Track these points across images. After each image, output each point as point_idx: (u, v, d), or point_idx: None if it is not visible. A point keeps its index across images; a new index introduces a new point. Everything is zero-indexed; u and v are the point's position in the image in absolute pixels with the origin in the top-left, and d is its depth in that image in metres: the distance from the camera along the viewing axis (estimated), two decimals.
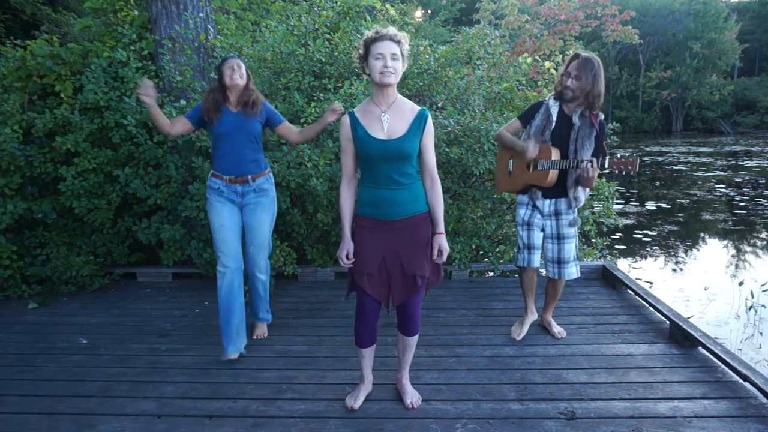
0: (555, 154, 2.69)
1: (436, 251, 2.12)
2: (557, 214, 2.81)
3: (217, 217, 2.74)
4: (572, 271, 2.85)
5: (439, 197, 2.15)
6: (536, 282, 3.08)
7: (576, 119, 2.68)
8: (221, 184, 2.75)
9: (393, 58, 1.96)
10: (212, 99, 2.72)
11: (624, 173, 2.57)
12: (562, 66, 2.76)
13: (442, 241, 2.13)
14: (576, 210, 2.82)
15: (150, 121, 3.77)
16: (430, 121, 2.10)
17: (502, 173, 3.05)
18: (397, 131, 2.04)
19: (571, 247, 2.83)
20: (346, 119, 2.10)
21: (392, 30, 1.99)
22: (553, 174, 2.69)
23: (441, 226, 2.14)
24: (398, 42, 1.97)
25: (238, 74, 2.72)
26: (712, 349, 2.61)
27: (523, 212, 2.89)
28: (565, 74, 2.67)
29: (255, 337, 3.03)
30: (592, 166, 2.56)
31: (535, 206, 2.85)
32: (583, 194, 2.77)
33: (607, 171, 2.59)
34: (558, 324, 3.09)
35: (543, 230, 2.88)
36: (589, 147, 2.65)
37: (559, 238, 2.82)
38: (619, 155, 2.58)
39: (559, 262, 2.84)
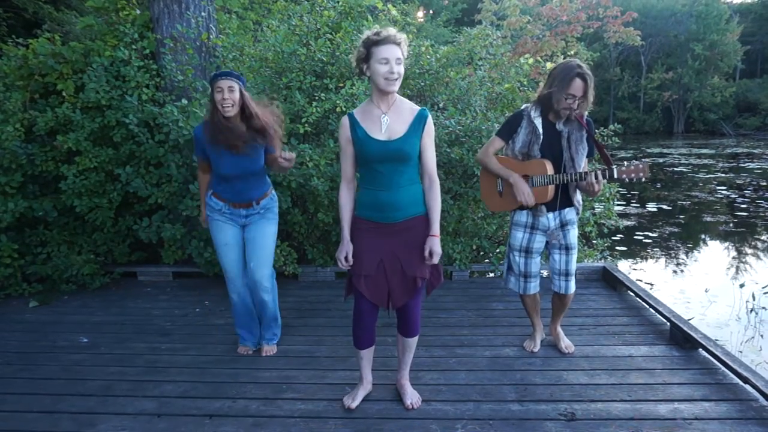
0: (549, 168, 2.46)
1: (427, 252, 2.07)
2: (564, 224, 2.58)
3: (221, 235, 2.63)
4: (573, 284, 2.67)
5: (437, 198, 2.11)
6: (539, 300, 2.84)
7: (560, 125, 2.46)
8: (223, 207, 2.61)
9: (397, 63, 1.94)
10: (213, 138, 2.47)
11: (635, 181, 2.33)
12: (553, 78, 2.39)
13: (434, 244, 2.07)
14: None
15: (151, 119, 3.78)
16: (430, 121, 2.08)
17: (490, 193, 2.75)
18: (396, 132, 2.03)
19: (575, 258, 2.63)
20: (345, 120, 2.08)
21: (392, 31, 1.96)
22: (552, 189, 2.47)
23: (436, 228, 2.09)
24: (399, 44, 1.95)
25: (229, 101, 2.42)
26: (712, 351, 2.61)
27: (520, 236, 2.63)
28: (567, 96, 2.35)
29: (263, 354, 2.84)
30: (596, 179, 2.34)
31: (533, 227, 2.60)
32: (579, 194, 2.63)
33: (616, 181, 2.37)
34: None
35: (547, 244, 2.63)
36: (583, 151, 2.47)
37: (568, 248, 2.59)
38: (626, 163, 2.34)
39: (567, 274, 2.62)
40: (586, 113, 2.49)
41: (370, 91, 2.10)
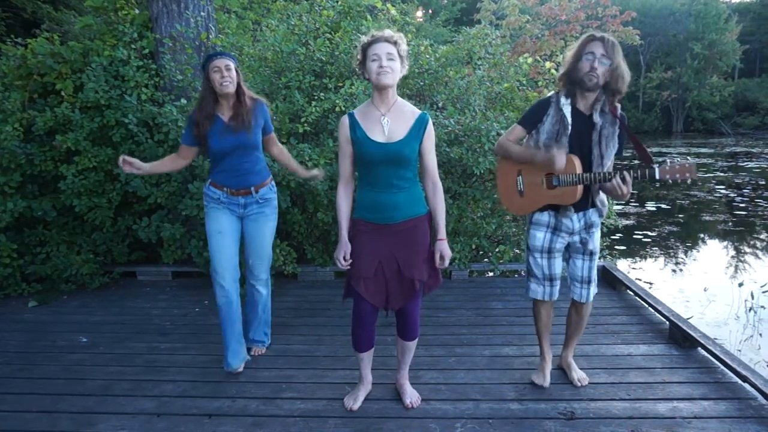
0: (578, 165, 2.18)
1: (438, 257, 2.12)
2: (589, 227, 2.32)
3: (215, 224, 2.54)
4: (594, 290, 2.42)
5: (441, 202, 2.13)
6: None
7: (597, 117, 2.17)
8: (221, 195, 2.54)
9: (389, 58, 1.94)
10: (205, 114, 2.45)
11: (680, 182, 2.04)
12: (570, 50, 2.20)
13: (443, 247, 2.12)
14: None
15: (150, 119, 3.77)
16: (430, 125, 2.09)
17: (509, 192, 2.45)
18: (397, 134, 2.02)
19: (596, 263, 2.40)
20: (345, 120, 2.08)
21: (388, 32, 1.97)
22: (581, 190, 2.20)
23: (443, 232, 2.13)
24: (394, 43, 1.96)
25: (228, 79, 2.41)
26: (711, 350, 2.61)
27: (542, 236, 2.36)
28: (586, 55, 2.11)
29: (252, 354, 2.80)
30: (624, 182, 2.07)
31: (556, 228, 2.33)
32: (605, 197, 2.35)
33: (659, 181, 2.09)
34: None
35: (569, 249, 2.40)
36: (614, 148, 2.20)
37: (591, 253, 2.34)
38: (669, 162, 2.04)
39: (589, 281, 2.37)
40: (619, 107, 2.20)
41: (371, 92, 2.10)
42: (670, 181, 2.04)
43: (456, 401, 2.35)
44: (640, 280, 5.45)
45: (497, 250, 4.30)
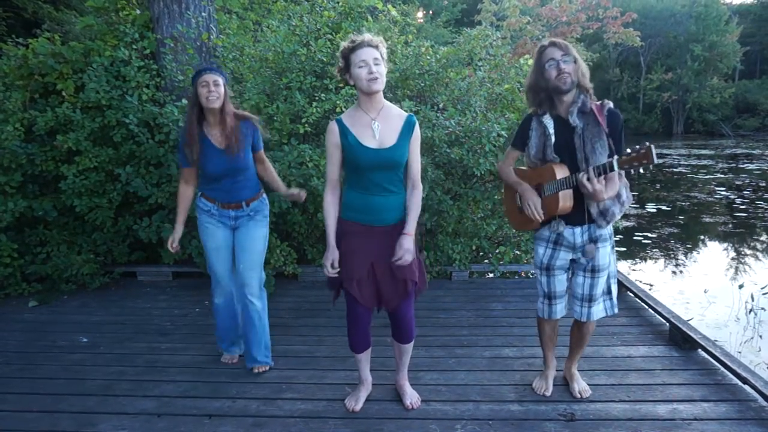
0: (560, 172, 2.11)
1: (396, 250, 2.01)
2: (593, 242, 2.21)
3: (212, 240, 2.59)
4: (599, 309, 2.27)
5: (417, 201, 2.09)
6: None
7: (575, 119, 2.09)
8: (213, 208, 2.56)
9: (376, 63, 1.94)
10: (193, 133, 2.42)
11: (641, 170, 1.89)
12: (529, 67, 2.23)
13: (405, 240, 2.01)
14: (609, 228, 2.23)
15: (151, 119, 3.78)
16: (417, 127, 2.09)
17: (511, 209, 2.48)
18: (388, 140, 2.02)
19: (603, 281, 2.25)
20: (334, 126, 2.07)
21: (367, 36, 1.97)
22: (564, 197, 2.11)
23: (410, 227, 2.05)
24: (376, 47, 1.95)
25: (215, 94, 2.39)
26: (711, 352, 2.61)
27: (542, 252, 2.30)
28: (547, 62, 2.08)
29: (255, 372, 2.68)
30: (588, 180, 1.99)
31: (557, 242, 2.25)
32: (614, 205, 2.16)
33: (619, 173, 2.01)
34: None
35: (573, 264, 2.30)
36: (602, 150, 2.06)
37: (594, 270, 2.22)
38: (628, 150, 1.92)
39: (590, 300, 2.25)
40: (609, 103, 2.12)
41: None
42: (632, 172, 1.91)
43: (456, 402, 2.35)
44: (640, 281, 5.45)
45: (497, 251, 4.30)
